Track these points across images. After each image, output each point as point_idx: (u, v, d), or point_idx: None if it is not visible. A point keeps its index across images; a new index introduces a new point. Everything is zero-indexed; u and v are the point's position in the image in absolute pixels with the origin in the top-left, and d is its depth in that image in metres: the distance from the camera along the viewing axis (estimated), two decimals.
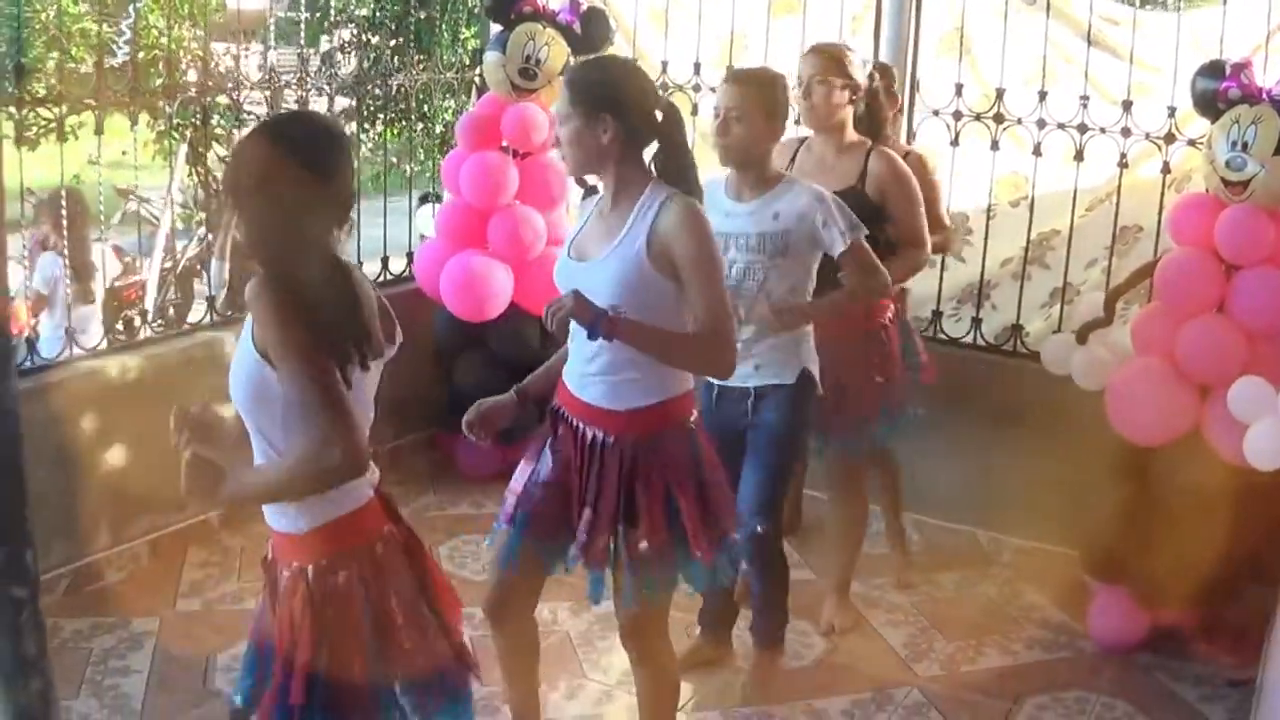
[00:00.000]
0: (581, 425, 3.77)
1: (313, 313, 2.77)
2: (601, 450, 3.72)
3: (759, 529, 4.56)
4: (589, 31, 6.32)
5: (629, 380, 3.64)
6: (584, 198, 6.39)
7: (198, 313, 6.35)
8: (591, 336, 3.54)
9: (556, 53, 6.23)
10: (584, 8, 6.37)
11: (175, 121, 6.76)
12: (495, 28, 6.48)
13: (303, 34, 6.80)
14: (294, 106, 7.07)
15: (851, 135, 4.93)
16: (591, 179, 4.15)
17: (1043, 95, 5.56)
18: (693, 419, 3.80)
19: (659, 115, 3.67)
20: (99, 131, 5.65)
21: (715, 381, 4.55)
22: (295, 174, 2.81)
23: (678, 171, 3.69)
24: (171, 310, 7.76)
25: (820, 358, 4.61)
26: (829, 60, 4.88)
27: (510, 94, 6.26)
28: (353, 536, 2.93)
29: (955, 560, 5.89)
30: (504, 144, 6.33)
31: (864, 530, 5.41)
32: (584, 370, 3.73)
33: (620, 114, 3.59)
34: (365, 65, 7.45)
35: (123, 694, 4.74)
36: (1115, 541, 5.06)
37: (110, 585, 5.43)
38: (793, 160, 4.96)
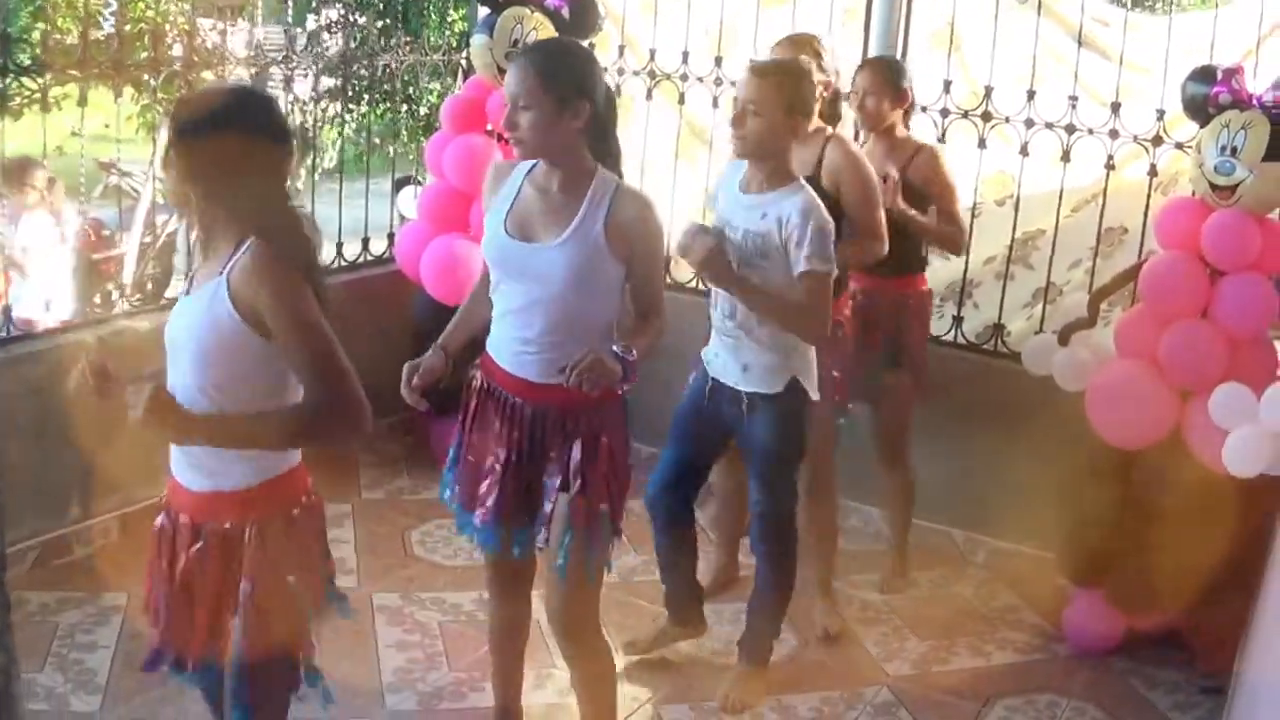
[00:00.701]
0: (517, 401, 3.75)
1: (310, 274, 2.95)
2: (544, 423, 3.72)
3: (768, 551, 4.63)
4: (578, 17, 6.26)
5: (567, 354, 3.55)
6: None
7: (175, 288, 6.32)
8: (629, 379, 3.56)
9: (544, 37, 6.16)
10: None
11: (159, 96, 6.67)
12: (484, 11, 6.41)
13: (290, 11, 6.73)
14: (279, 84, 7.04)
15: (814, 123, 4.80)
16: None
17: (1031, 94, 5.52)
18: (626, 390, 3.76)
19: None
20: (82, 103, 5.60)
21: (711, 373, 4.55)
22: (263, 143, 2.93)
23: (612, 158, 3.73)
24: (150, 285, 7.71)
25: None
26: (798, 50, 4.86)
27: (496, 78, 6.18)
28: (289, 494, 3.08)
29: (932, 559, 5.86)
30: (489, 128, 6.26)
31: (834, 527, 5.35)
32: (521, 347, 3.71)
33: (592, 100, 3.60)
34: (352, 45, 7.35)
35: (88, 669, 4.69)
36: (1093, 545, 5.04)
37: (79, 560, 5.38)
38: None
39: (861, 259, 4.91)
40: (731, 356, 4.47)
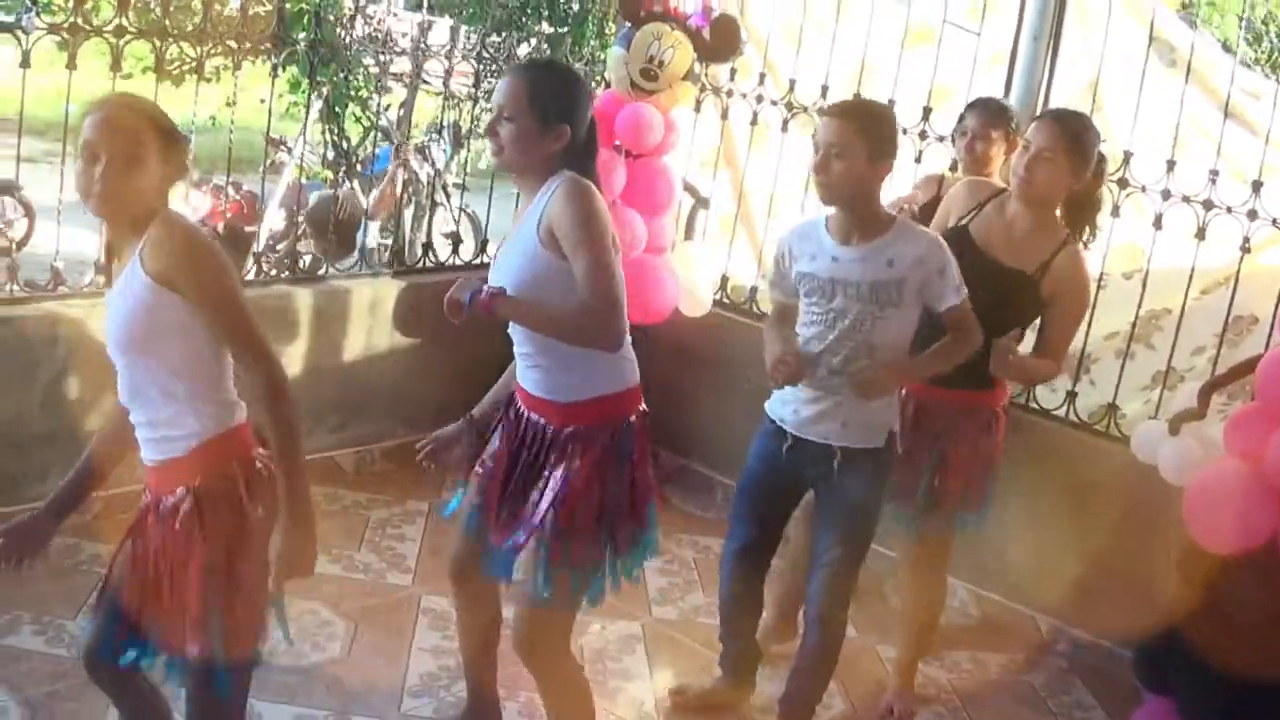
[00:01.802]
0: (524, 410, 3.77)
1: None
2: (540, 434, 3.72)
3: (825, 610, 4.40)
4: (718, 39, 6.12)
5: (554, 371, 3.62)
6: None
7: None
8: (467, 311, 3.55)
9: (681, 56, 6.04)
10: (716, 13, 6.16)
11: (318, 79, 6.74)
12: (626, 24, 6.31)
13: (462, 9, 6.73)
14: (438, 77, 7.05)
15: (1055, 219, 4.55)
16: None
17: (1171, 164, 5.21)
18: (634, 418, 3.73)
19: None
20: (237, 68, 5.78)
21: (789, 429, 4.32)
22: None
23: (585, 174, 3.64)
24: (306, 259, 7.77)
25: (929, 422, 4.53)
26: (1063, 134, 4.42)
27: (629, 92, 6.09)
28: (236, 450, 3.19)
29: (1008, 642, 5.57)
30: (616, 143, 6.15)
31: (940, 610, 5.09)
32: (520, 360, 3.74)
33: (572, 125, 3.58)
34: (513, 47, 7.32)
35: None
36: (1169, 650, 4.71)
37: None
38: (979, 208, 4.64)
39: (1030, 379, 4.85)
40: (829, 413, 4.23)
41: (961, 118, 5.23)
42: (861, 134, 4.01)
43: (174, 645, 3.16)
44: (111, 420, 3.44)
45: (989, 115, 5.14)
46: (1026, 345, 4.66)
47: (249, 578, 3.16)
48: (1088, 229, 4.66)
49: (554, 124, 3.54)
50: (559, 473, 3.64)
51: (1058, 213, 4.55)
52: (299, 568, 3.16)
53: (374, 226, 8.84)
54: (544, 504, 3.64)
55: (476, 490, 3.85)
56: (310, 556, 3.17)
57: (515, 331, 3.70)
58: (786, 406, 4.32)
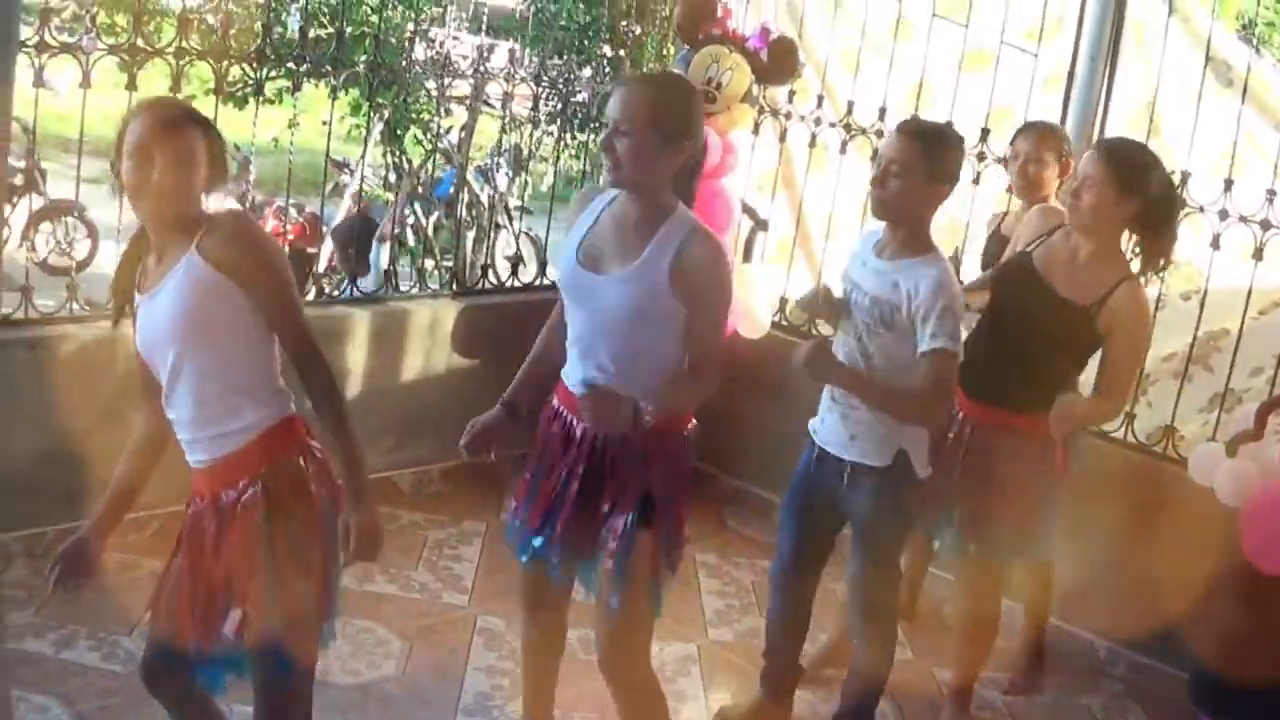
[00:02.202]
0: (583, 426, 3.70)
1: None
2: (606, 449, 3.66)
3: (862, 629, 4.45)
4: (777, 61, 6.14)
5: (627, 384, 3.54)
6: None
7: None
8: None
9: (739, 78, 6.06)
10: (774, 35, 6.17)
11: (378, 101, 6.81)
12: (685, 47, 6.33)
13: (526, 34, 6.77)
14: (499, 100, 7.10)
15: (1118, 250, 4.49)
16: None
17: (1228, 184, 5.18)
18: (690, 428, 3.74)
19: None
20: (295, 91, 5.96)
21: (817, 440, 4.35)
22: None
23: (687, 199, 3.64)
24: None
25: (989, 445, 4.50)
26: (1108, 161, 4.37)
27: None
28: (297, 437, 3.28)
29: (1066, 666, 5.52)
30: None
31: (994, 633, 4.95)
32: (587, 374, 3.66)
33: (694, 142, 3.55)
34: (574, 70, 7.37)
35: None
36: (1225, 673, 4.67)
37: None
38: (1047, 235, 4.62)
39: (1091, 420, 4.83)
40: (840, 425, 4.27)
41: (1013, 140, 5.22)
42: (924, 155, 4.01)
43: (239, 640, 3.19)
44: (141, 434, 3.45)
45: (1040, 138, 5.13)
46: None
47: (318, 565, 3.22)
48: (1162, 259, 4.54)
49: (676, 140, 3.48)
50: (634, 483, 3.64)
51: (1124, 243, 4.50)
52: (370, 546, 3.21)
53: (384, 248, 8.90)
54: (621, 517, 3.64)
55: (537, 514, 3.81)
56: (379, 534, 3.22)
57: (586, 344, 3.66)
58: (816, 419, 4.39)
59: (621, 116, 3.47)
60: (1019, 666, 5.38)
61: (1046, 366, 4.47)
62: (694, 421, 3.78)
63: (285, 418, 3.26)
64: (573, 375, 3.73)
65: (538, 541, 3.80)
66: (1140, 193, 4.34)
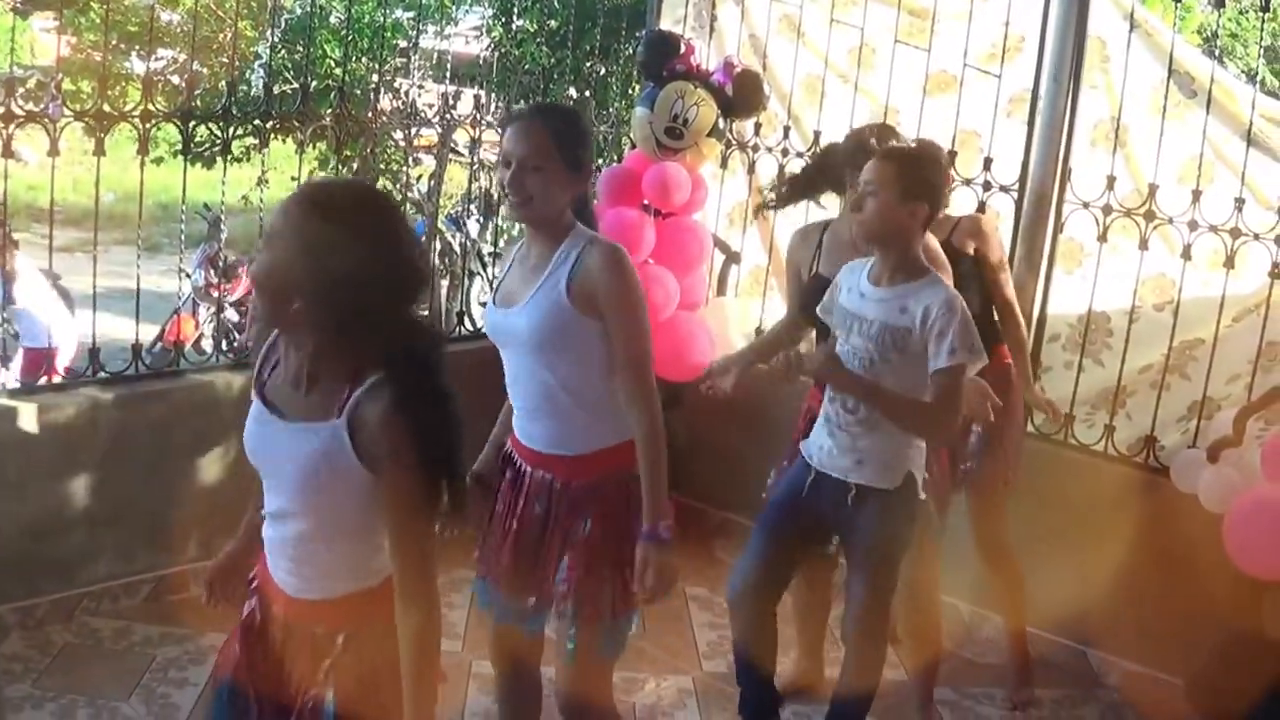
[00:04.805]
0: (527, 468, 3.73)
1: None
2: (551, 491, 3.68)
3: (860, 639, 4.39)
4: (741, 94, 6.17)
5: (562, 424, 3.61)
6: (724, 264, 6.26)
7: None
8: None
9: (705, 114, 6.08)
10: (738, 69, 6.21)
11: (344, 154, 6.81)
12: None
13: (491, 80, 6.79)
14: (467, 147, 7.12)
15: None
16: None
17: (1196, 195, 5.24)
18: (634, 467, 3.64)
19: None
20: (264, 146, 5.87)
21: (814, 465, 4.33)
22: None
23: (588, 221, 3.67)
24: None
25: None
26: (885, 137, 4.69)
27: (655, 152, 6.14)
28: (383, 605, 2.84)
29: (1061, 678, 5.55)
30: (645, 202, 6.20)
31: (937, 633, 5.05)
32: (523, 415, 3.72)
33: (590, 169, 3.66)
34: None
35: (172, 704, 4.78)
36: (1219, 677, 4.71)
37: (190, 598, 5.37)
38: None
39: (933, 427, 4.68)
40: (845, 449, 4.26)
41: None
42: (897, 175, 4.07)
43: None
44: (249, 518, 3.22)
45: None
46: None
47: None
48: None
49: (582, 167, 3.57)
50: (577, 527, 3.64)
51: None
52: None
53: None
54: (565, 562, 3.64)
55: (488, 564, 3.83)
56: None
57: (519, 385, 3.69)
58: (814, 443, 4.36)
59: (526, 151, 3.49)
60: (1010, 679, 5.40)
61: None
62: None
63: (378, 587, 2.88)
64: (515, 418, 3.77)
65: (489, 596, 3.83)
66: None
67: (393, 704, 2.83)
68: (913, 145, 4.51)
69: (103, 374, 5.31)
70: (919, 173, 4.14)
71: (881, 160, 4.15)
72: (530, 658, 4.01)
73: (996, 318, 4.96)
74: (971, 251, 4.85)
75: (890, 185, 4.06)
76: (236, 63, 6.94)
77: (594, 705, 3.81)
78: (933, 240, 4.51)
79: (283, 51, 8.31)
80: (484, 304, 6.84)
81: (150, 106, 5.23)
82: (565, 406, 3.60)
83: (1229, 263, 5.21)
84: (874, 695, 4.51)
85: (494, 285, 3.79)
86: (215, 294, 8.65)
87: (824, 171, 5.02)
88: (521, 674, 4.03)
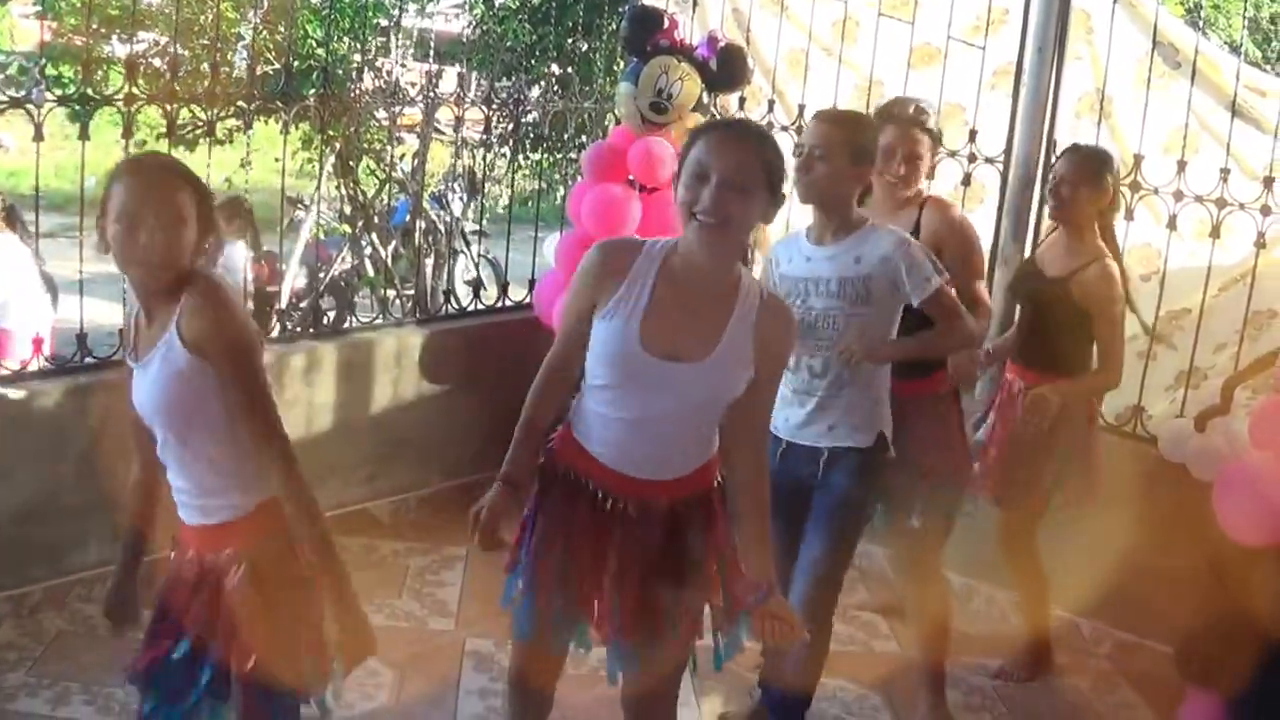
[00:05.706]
0: (614, 496, 3.44)
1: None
2: (641, 517, 3.44)
3: (810, 596, 4.27)
4: (725, 69, 6.16)
5: (691, 450, 3.44)
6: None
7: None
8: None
9: (689, 88, 6.06)
10: (722, 44, 6.20)
11: (328, 134, 6.80)
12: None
13: (473, 58, 6.77)
14: (450, 125, 7.10)
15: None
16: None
17: (1182, 165, 5.25)
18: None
19: None
20: (248, 127, 5.86)
21: (783, 436, 4.31)
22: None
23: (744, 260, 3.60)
24: (330, 316, 7.83)
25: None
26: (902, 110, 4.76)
27: (640, 127, 6.13)
28: (279, 519, 3.10)
29: (1053, 648, 5.52)
30: (630, 177, 6.20)
31: (948, 609, 5.03)
32: (648, 452, 3.42)
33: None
34: (523, 90, 7.36)
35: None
36: (1210, 644, 4.71)
37: None
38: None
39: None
40: (813, 416, 4.27)
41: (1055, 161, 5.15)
42: (846, 140, 4.12)
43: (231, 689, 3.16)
44: (136, 478, 3.38)
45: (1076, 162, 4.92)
46: None
47: (307, 626, 3.12)
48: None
49: (779, 195, 3.34)
50: (697, 550, 3.49)
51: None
52: (361, 649, 3.09)
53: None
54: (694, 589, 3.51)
55: (582, 599, 3.52)
56: (369, 636, 3.10)
57: (660, 433, 3.40)
58: (779, 414, 4.25)
59: (737, 170, 3.23)
60: (1018, 658, 5.41)
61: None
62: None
63: (273, 499, 3.09)
64: (622, 453, 3.43)
65: (570, 623, 3.57)
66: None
67: (296, 613, 3.12)
68: (850, 110, 4.63)
69: (90, 359, 5.29)
70: (867, 138, 4.22)
71: (829, 124, 4.21)
72: (554, 678, 3.79)
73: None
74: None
75: (840, 150, 4.11)
76: (219, 45, 6.86)
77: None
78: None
79: (264, 33, 8.26)
80: (469, 282, 6.81)
81: (133, 90, 5.20)
82: (696, 439, 3.45)
83: (1215, 232, 5.24)
84: (825, 651, 4.48)
85: (623, 309, 3.35)
86: None
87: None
88: (543, 693, 3.82)
